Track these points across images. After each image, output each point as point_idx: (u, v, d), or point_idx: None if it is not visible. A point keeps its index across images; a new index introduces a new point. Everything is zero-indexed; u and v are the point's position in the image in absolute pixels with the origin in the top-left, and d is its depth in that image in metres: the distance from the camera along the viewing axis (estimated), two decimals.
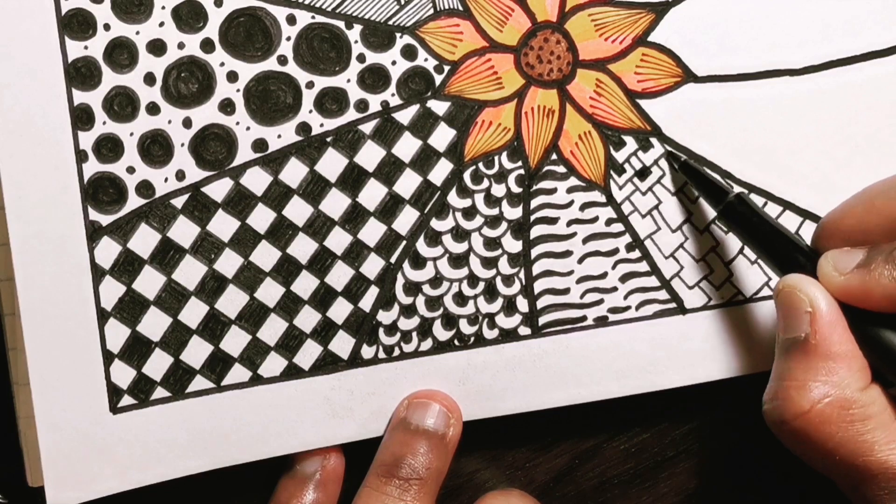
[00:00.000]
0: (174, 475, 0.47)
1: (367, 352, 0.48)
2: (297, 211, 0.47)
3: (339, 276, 0.47)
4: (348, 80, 0.46)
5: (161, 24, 0.46)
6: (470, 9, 0.47)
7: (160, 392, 0.47)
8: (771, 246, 0.44)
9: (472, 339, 0.48)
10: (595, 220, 0.48)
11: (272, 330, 0.47)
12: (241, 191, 0.47)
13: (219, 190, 0.47)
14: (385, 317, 0.48)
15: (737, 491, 0.51)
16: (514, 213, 0.48)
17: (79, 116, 0.46)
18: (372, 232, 0.47)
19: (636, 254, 0.48)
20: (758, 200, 0.48)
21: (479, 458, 0.51)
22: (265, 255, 0.47)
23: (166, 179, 0.46)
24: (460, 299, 0.48)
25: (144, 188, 0.46)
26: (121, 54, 0.46)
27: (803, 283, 0.41)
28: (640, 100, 0.47)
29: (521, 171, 0.47)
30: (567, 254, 0.48)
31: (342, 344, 0.48)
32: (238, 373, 0.47)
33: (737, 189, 0.46)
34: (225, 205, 0.47)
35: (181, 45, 0.46)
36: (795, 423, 0.40)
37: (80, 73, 0.45)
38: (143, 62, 0.46)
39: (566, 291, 0.48)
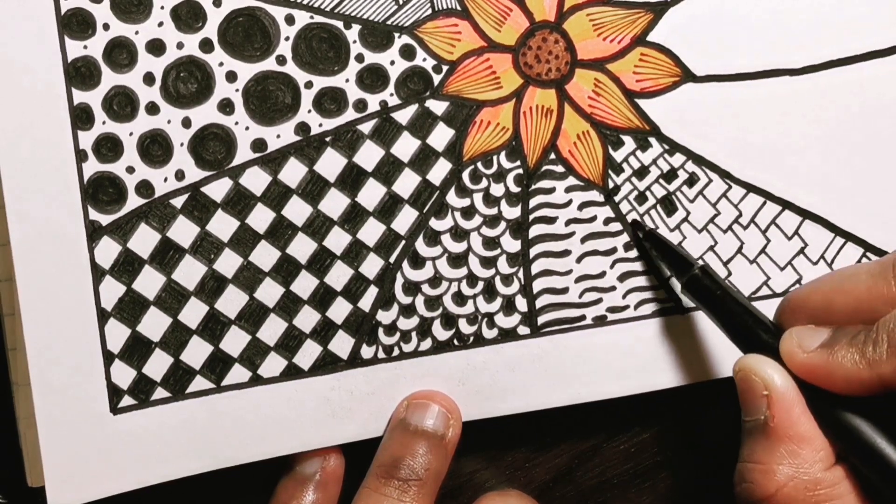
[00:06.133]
0: (174, 475, 0.47)
1: (367, 352, 0.48)
2: (297, 211, 0.47)
3: (339, 275, 0.47)
4: (347, 80, 0.47)
5: (160, 24, 0.46)
6: (468, 9, 0.47)
7: (160, 392, 0.47)
8: (734, 320, 0.43)
9: (472, 338, 0.48)
10: (593, 219, 0.48)
11: (272, 330, 0.47)
12: (240, 191, 0.47)
13: (218, 190, 0.47)
14: (384, 316, 0.48)
15: None
16: (512, 212, 0.48)
17: (78, 116, 0.46)
18: (371, 232, 0.47)
19: (634, 253, 0.48)
20: (757, 200, 0.48)
21: (479, 459, 0.51)
22: (265, 255, 0.47)
23: (166, 179, 0.46)
24: (459, 299, 0.48)
25: (144, 188, 0.46)
26: (120, 54, 0.46)
27: (759, 364, 0.41)
28: (638, 99, 0.47)
29: (520, 171, 0.47)
30: (566, 253, 0.48)
31: (342, 344, 0.48)
32: (238, 373, 0.47)
33: (700, 262, 0.46)
34: (224, 205, 0.47)
35: (180, 45, 0.46)
36: None
37: (80, 73, 0.46)
38: (143, 62, 0.46)
39: (565, 291, 0.48)
